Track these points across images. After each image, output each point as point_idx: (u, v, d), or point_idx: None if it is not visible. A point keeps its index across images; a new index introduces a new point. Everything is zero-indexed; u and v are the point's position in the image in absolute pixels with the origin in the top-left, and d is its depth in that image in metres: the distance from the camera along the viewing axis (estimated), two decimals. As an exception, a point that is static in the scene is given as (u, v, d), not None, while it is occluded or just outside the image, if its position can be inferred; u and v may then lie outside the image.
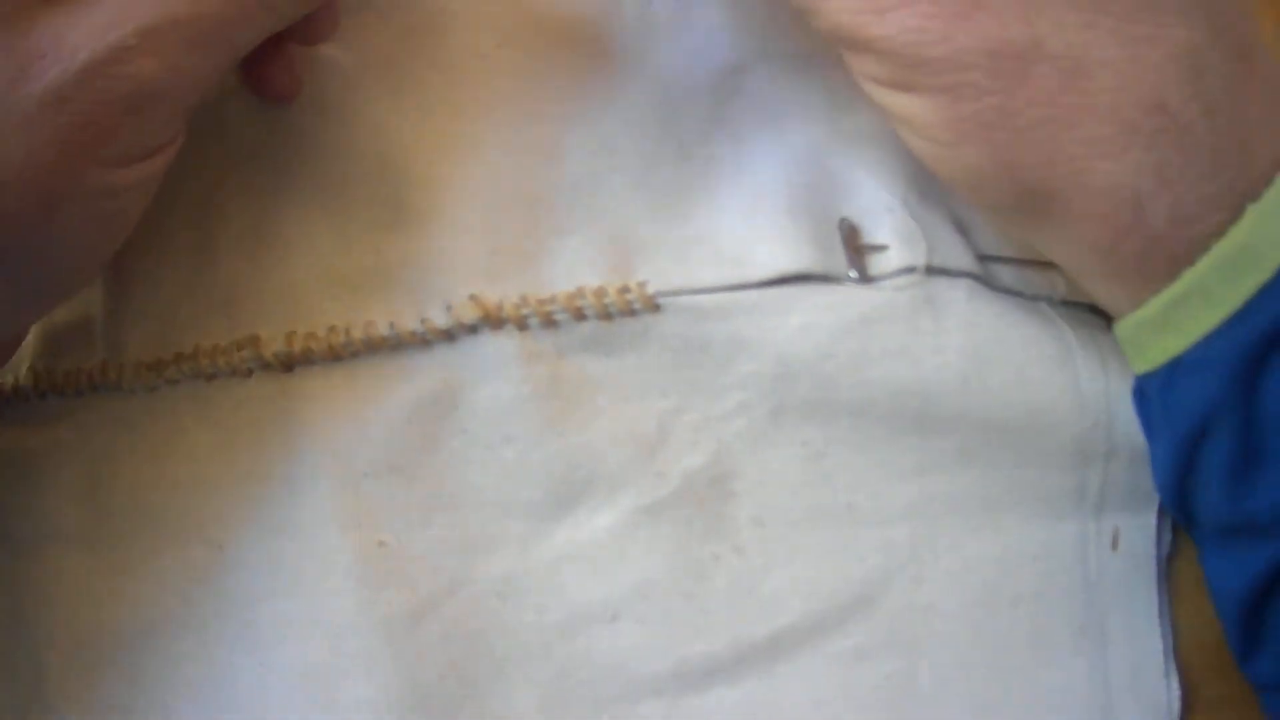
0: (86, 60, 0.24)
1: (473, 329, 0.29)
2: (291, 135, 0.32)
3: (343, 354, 0.29)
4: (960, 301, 0.28)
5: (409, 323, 0.29)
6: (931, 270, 0.28)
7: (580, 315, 0.29)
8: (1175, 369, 0.26)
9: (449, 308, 0.29)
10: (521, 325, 0.29)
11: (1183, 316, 0.25)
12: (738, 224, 0.29)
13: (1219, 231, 0.24)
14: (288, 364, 0.30)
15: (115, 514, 0.30)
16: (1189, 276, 0.25)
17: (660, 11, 0.32)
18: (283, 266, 0.31)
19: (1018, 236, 0.29)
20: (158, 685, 0.29)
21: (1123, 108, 0.24)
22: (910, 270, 0.28)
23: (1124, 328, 0.27)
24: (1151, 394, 0.27)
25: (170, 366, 0.30)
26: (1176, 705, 0.29)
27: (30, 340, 0.32)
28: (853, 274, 0.28)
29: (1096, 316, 0.30)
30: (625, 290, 0.29)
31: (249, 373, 0.30)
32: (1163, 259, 0.25)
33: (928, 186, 0.30)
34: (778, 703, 0.28)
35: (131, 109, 0.25)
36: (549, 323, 0.29)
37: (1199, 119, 0.24)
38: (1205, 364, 0.25)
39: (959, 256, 0.29)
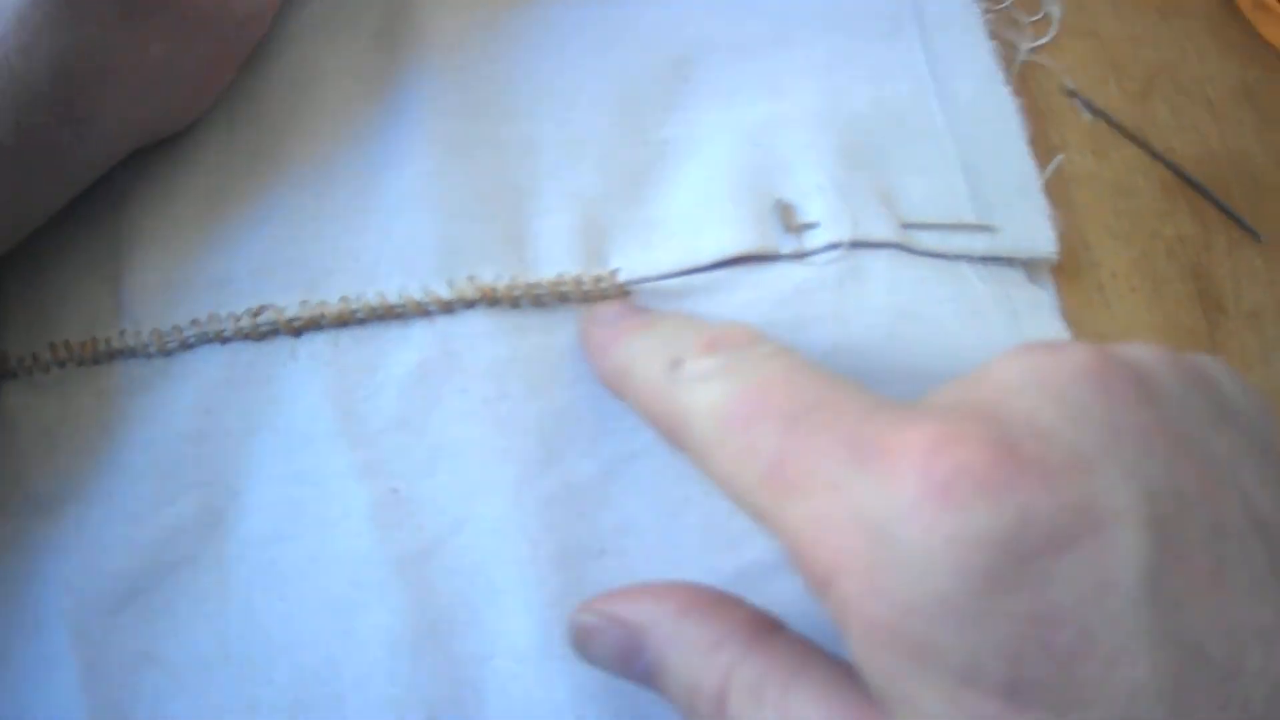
0: None
1: (471, 304, 0.33)
2: (294, 134, 0.35)
3: (351, 320, 0.33)
4: (882, 269, 0.33)
5: (415, 294, 0.33)
6: (856, 244, 0.33)
7: (564, 299, 0.33)
8: None
9: (450, 283, 0.33)
10: (514, 304, 0.33)
11: None
12: (690, 208, 0.34)
13: None
14: (298, 329, 0.33)
15: (129, 469, 0.33)
16: None
17: (616, 13, 0.37)
18: (293, 243, 0.34)
19: None
20: (180, 625, 0.32)
21: None
22: (836, 246, 0.33)
23: None
24: None
25: (186, 330, 0.34)
26: None
27: (48, 316, 0.35)
28: (786, 250, 0.33)
29: (1011, 271, 0.35)
30: (599, 279, 0.33)
31: (262, 337, 0.34)
32: None
33: (857, 159, 0.35)
34: None
35: None
36: (538, 303, 0.33)
37: None
38: None
39: (882, 228, 0.33)
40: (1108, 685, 0.19)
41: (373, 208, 0.34)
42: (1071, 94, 0.37)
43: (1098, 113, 0.37)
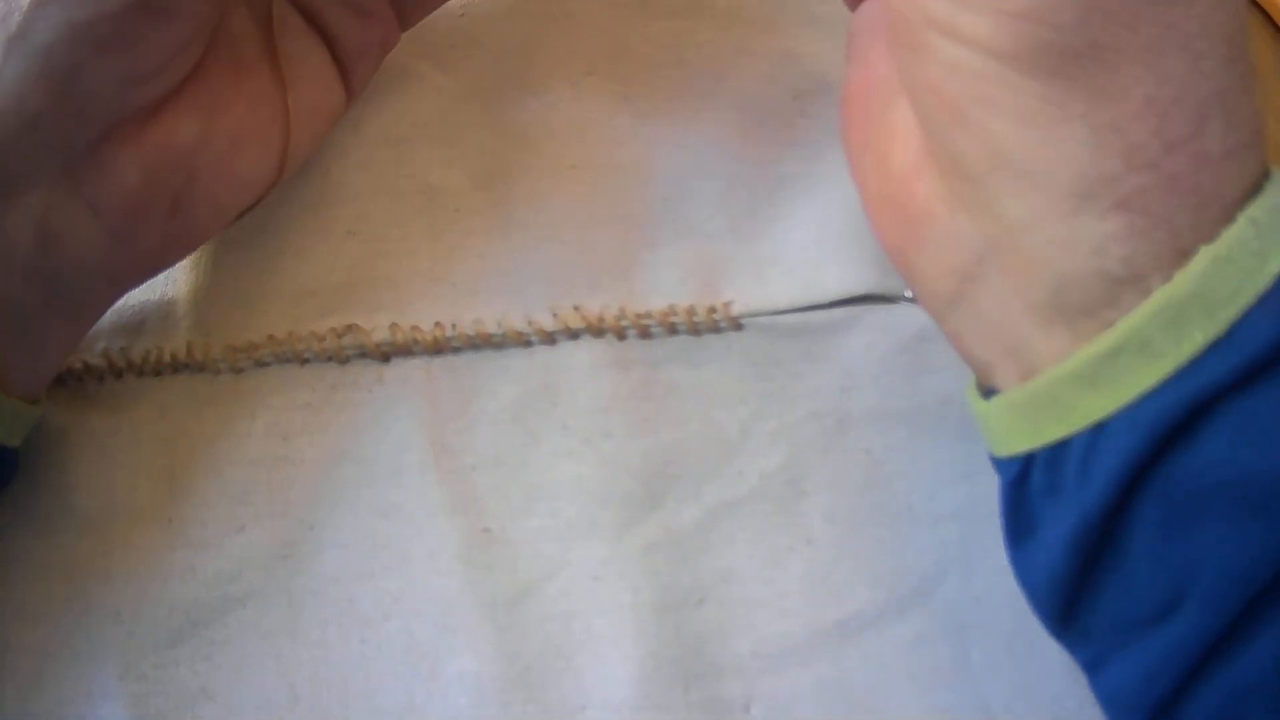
0: None
1: (575, 335, 0.31)
2: (392, 146, 0.33)
3: (445, 348, 0.31)
4: None
5: (516, 323, 0.31)
6: None
7: (673, 330, 0.32)
8: (1100, 433, 0.22)
9: (554, 314, 0.31)
10: (620, 335, 0.32)
11: (1115, 373, 0.22)
12: (809, 245, 0.33)
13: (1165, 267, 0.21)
14: (386, 354, 0.31)
15: (193, 491, 0.31)
16: (1125, 325, 0.21)
17: (735, 38, 0.35)
18: (383, 260, 0.32)
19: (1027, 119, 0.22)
20: (245, 663, 0.30)
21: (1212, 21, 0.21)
22: None
23: (1040, 385, 0.23)
24: (1068, 461, 0.23)
25: (262, 349, 0.31)
26: None
27: (103, 324, 0.32)
28: (908, 294, 0.32)
29: None
30: (713, 310, 0.32)
31: (345, 360, 0.31)
32: (1197, 203, 0.21)
33: None
34: (846, 683, 0.30)
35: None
36: (645, 334, 0.32)
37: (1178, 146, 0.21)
38: (1135, 425, 0.21)
39: None
40: None
41: (474, 228, 0.32)
42: None
43: None
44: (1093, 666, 0.25)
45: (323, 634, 0.30)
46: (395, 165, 0.33)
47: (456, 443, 0.31)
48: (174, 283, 0.32)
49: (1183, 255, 0.21)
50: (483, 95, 0.34)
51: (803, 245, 0.33)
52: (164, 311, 0.32)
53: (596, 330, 0.31)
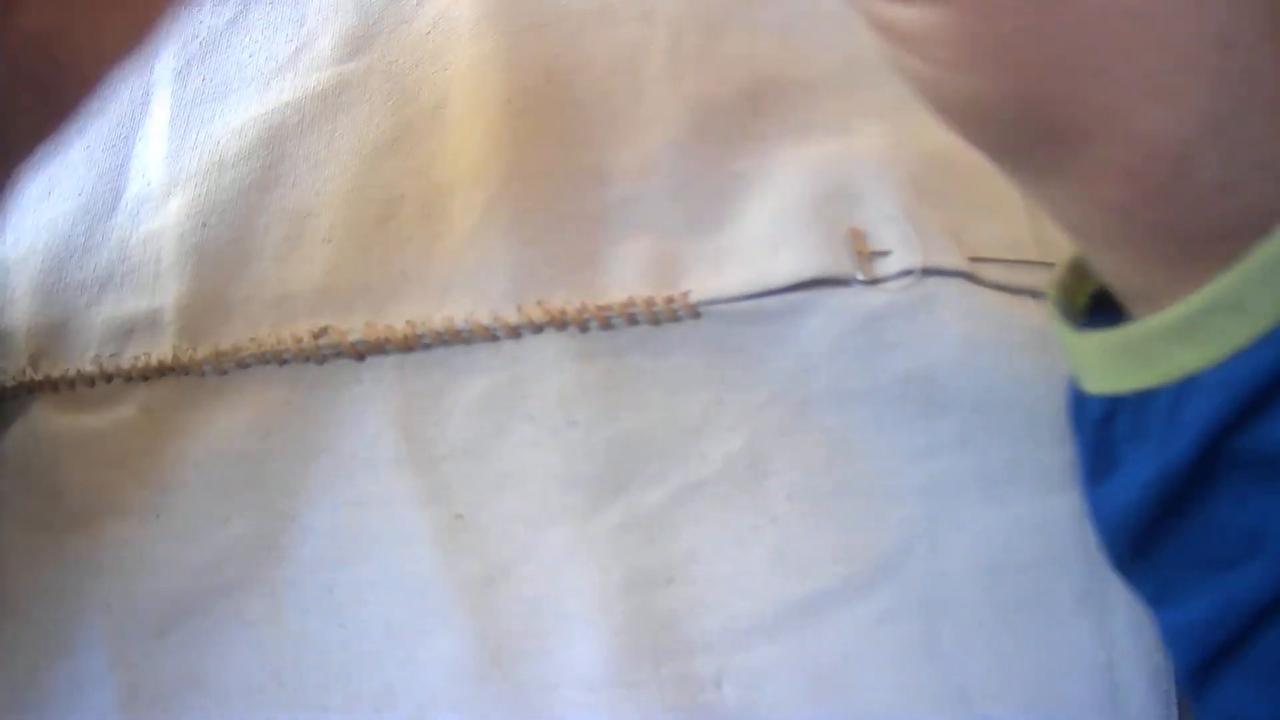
0: None
1: (539, 329, 0.33)
2: (363, 158, 0.35)
3: (417, 345, 0.33)
4: (953, 297, 0.33)
5: (483, 319, 0.33)
6: (928, 271, 0.33)
7: (633, 321, 0.33)
8: (1189, 387, 0.22)
9: (519, 308, 0.33)
10: (583, 327, 0.33)
11: (1208, 330, 0.21)
12: (762, 235, 0.34)
13: (1264, 224, 0.20)
14: (361, 353, 0.33)
15: (178, 487, 0.32)
16: (1223, 284, 0.21)
17: (688, 45, 0.37)
18: (357, 265, 0.34)
19: (1019, 186, 0.26)
20: (230, 650, 0.31)
21: (1185, 38, 0.19)
22: (909, 272, 0.33)
23: (1135, 335, 0.23)
24: (1155, 410, 0.23)
25: (244, 351, 0.33)
26: (1172, 666, 0.30)
27: (93, 332, 0.34)
28: (860, 276, 0.33)
29: None
30: (671, 300, 0.33)
31: (323, 359, 0.33)
32: (1192, 236, 0.21)
33: (926, 196, 0.35)
34: (815, 659, 0.31)
35: None
36: (607, 326, 0.33)
37: (1271, 64, 0.19)
38: (1222, 384, 0.21)
39: (952, 258, 0.34)
40: None
41: (441, 232, 0.34)
42: None
43: None
44: (1157, 600, 0.25)
45: (303, 621, 0.31)
46: (365, 176, 0.35)
47: (429, 435, 0.32)
48: (160, 291, 0.34)
49: None
50: (447, 108, 0.36)
51: (756, 235, 0.34)
52: (151, 319, 0.34)
53: (560, 323, 0.33)
